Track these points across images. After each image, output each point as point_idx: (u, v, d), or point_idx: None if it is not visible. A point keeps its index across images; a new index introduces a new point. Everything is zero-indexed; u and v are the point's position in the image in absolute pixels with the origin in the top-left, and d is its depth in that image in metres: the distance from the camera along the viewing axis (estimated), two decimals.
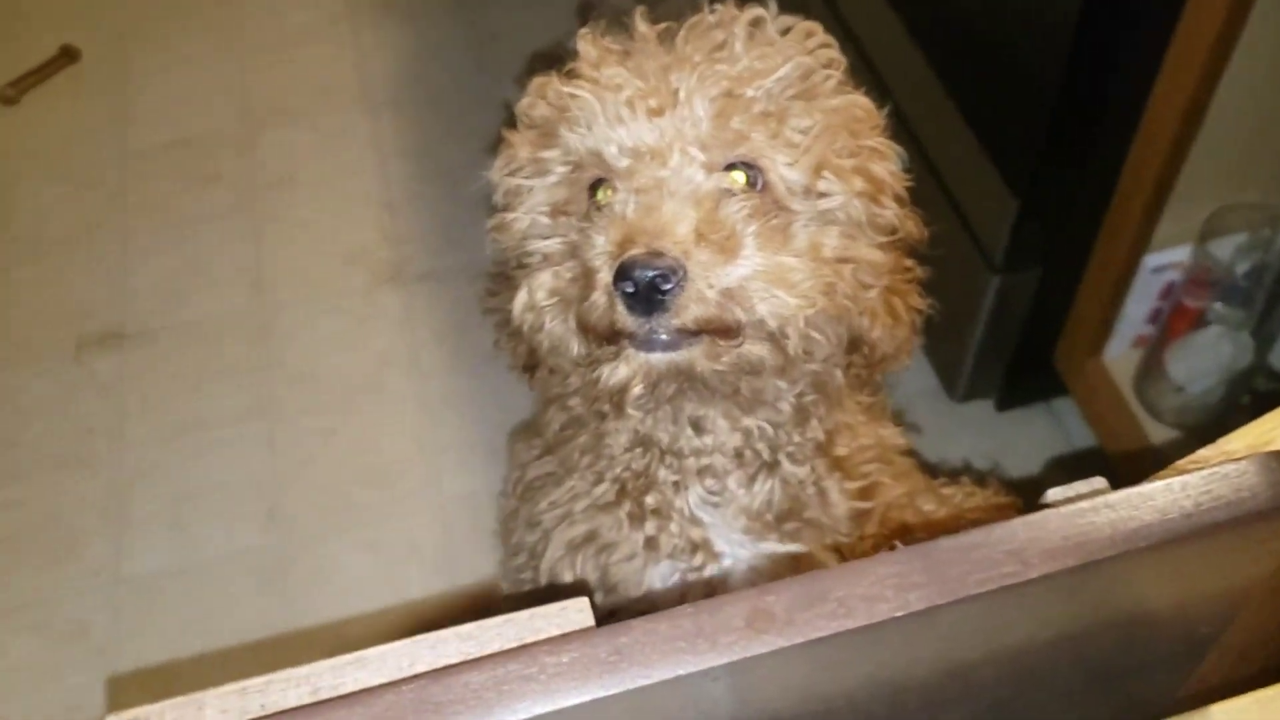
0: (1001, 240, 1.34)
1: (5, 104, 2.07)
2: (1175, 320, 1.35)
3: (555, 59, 0.81)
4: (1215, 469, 0.43)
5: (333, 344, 1.75)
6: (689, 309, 0.68)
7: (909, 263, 0.85)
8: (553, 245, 0.77)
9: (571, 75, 0.77)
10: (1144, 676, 0.54)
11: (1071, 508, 0.41)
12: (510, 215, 0.80)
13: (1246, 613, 0.50)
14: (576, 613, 0.41)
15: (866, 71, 1.57)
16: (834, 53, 0.79)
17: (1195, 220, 1.30)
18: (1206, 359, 1.34)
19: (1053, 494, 0.46)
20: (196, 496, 1.60)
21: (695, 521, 0.88)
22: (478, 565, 1.51)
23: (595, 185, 0.76)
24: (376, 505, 1.58)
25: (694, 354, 0.71)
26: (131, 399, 1.70)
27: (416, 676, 0.40)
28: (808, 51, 0.77)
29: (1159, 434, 1.40)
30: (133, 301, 1.82)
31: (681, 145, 0.71)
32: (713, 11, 0.79)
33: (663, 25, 0.79)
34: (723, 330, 0.70)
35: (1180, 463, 0.46)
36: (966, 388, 1.56)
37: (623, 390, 0.73)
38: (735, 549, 0.90)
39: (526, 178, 0.79)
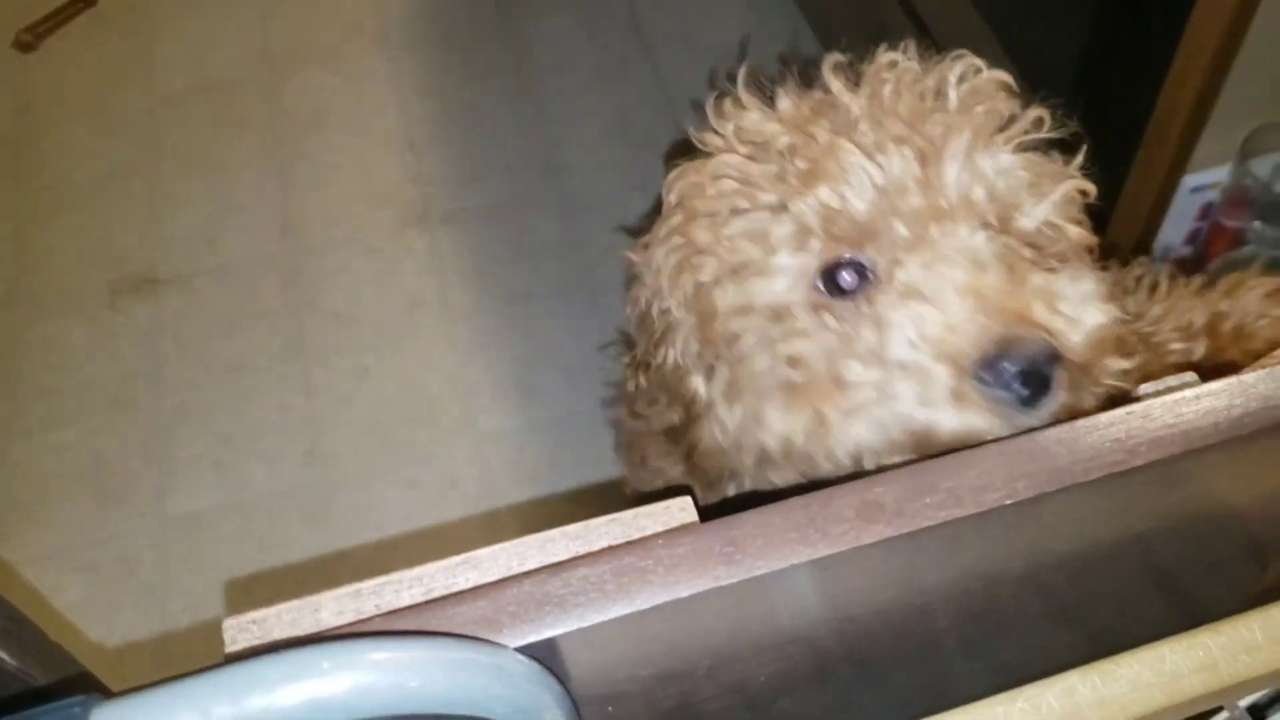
0: None
1: (24, 50, 2.06)
2: (1213, 240, 1.35)
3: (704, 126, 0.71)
4: None
5: (364, 285, 1.76)
6: (1062, 392, 0.59)
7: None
8: (795, 348, 0.64)
9: (774, 139, 0.67)
10: (1218, 575, 0.55)
11: (1173, 396, 0.42)
12: (710, 324, 0.67)
13: None
14: (680, 510, 0.42)
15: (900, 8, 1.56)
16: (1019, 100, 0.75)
17: (1234, 140, 1.29)
18: None
19: (1145, 388, 0.47)
20: (237, 437, 1.62)
21: None
22: (517, 500, 1.53)
23: (832, 269, 0.64)
24: (415, 443, 1.59)
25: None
26: (168, 343, 1.71)
27: (534, 571, 0.41)
28: (1009, 96, 0.74)
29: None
30: (166, 247, 1.83)
31: (962, 206, 0.64)
32: (886, 61, 0.71)
33: (858, 80, 0.71)
34: (1073, 404, 0.62)
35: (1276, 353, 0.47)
36: None
37: None
38: None
39: (722, 277, 0.67)
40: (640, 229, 0.78)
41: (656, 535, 0.40)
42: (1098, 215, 1.42)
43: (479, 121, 1.94)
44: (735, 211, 0.67)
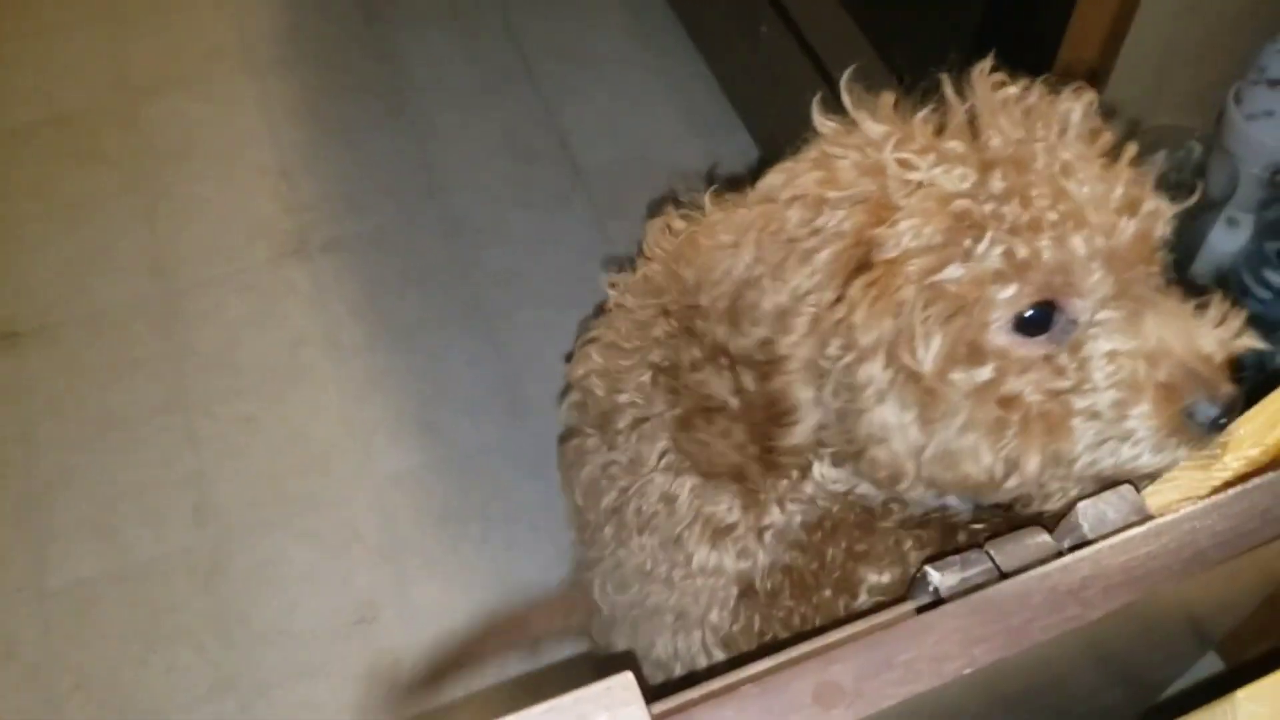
0: None
1: None
2: None
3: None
4: (1230, 494, 0.43)
5: (244, 326, 1.68)
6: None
7: None
8: (1016, 386, 0.64)
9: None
10: (1155, 665, 0.54)
11: (1123, 538, 0.40)
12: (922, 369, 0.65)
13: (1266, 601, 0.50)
14: (623, 692, 0.39)
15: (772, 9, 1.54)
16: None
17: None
18: None
19: (1084, 508, 0.45)
20: (119, 499, 1.53)
21: None
22: (422, 545, 1.48)
23: (1034, 315, 0.64)
24: (310, 493, 1.53)
25: None
26: (37, 403, 1.61)
27: None
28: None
29: None
30: (25, 296, 1.72)
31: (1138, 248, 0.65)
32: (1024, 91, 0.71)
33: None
34: None
35: (1175, 472, 0.46)
36: None
37: None
38: None
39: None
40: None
41: None
42: None
43: (354, 143, 1.87)
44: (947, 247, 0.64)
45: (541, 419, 1.56)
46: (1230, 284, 1.37)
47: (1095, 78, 1.22)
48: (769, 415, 0.70)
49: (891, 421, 0.66)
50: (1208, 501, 0.41)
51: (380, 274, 1.73)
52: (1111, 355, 0.62)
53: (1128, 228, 0.64)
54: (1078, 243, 0.62)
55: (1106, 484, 0.59)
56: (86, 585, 1.46)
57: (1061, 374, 0.63)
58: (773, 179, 0.71)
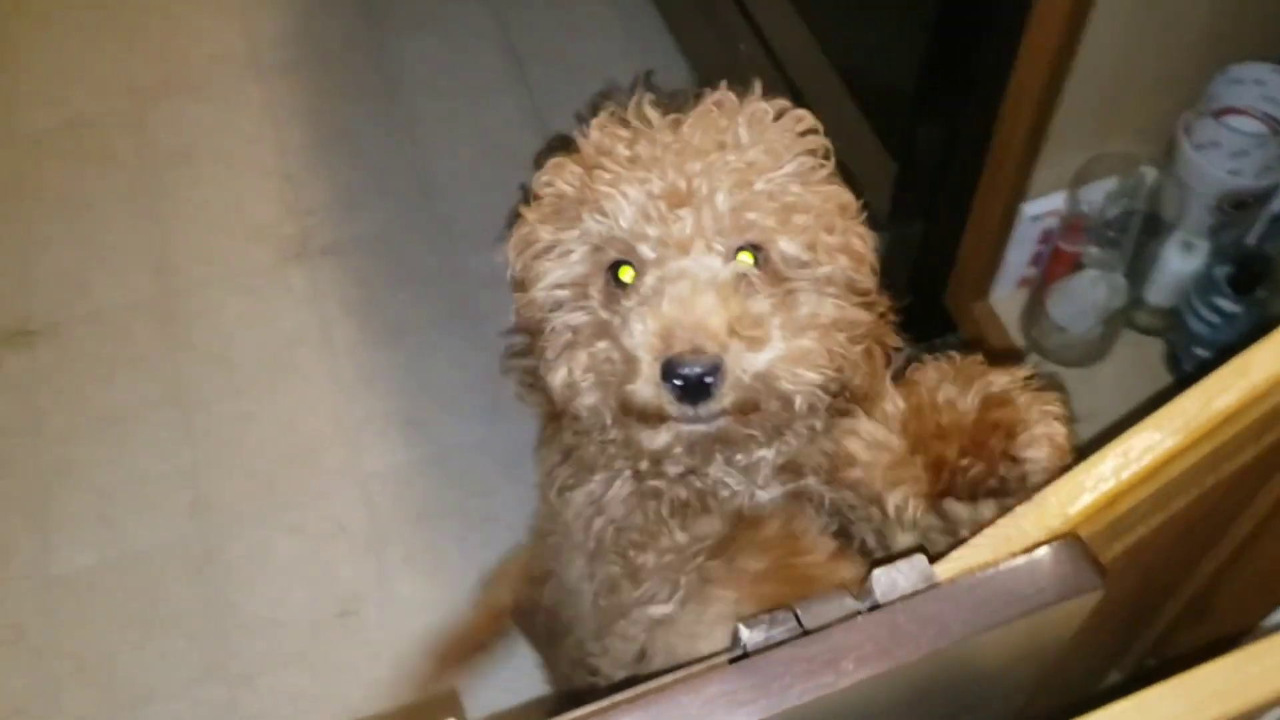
0: (884, 200, 1.38)
1: None
2: (1054, 264, 1.41)
3: (569, 141, 0.87)
4: (1017, 562, 0.48)
5: (242, 325, 1.76)
6: (728, 395, 0.76)
7: (883, 308, 0.90)
8: (578, 319, 0.83)
9: (588, 162, 0.83)
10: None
11: (883, 613, 0.46)
12: (530, 294, 0.84)
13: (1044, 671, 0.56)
14: None
15: (748, 26, 1.59)
16: (821, 139, 0.86)
17: (1068, 169, 1.35)
18: (1084, 300, 1.40)
19: (878, 576, 0.51)
20: (119, 490, 1.61)
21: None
22: (404, 540, 1.56)
23: (616, 265, 0.81)
24: (299, 486, 1.61)
25: (725, 423, 0.79)
26: (45, 396, 1.70)
27: None
28: (800, 135, 0.85)
29: (1045, 372, 1.47)
30: (38, 294, 1.80)
31: (704, 236, 0.78)
32: (712, 99, 0.85)
33: (670, 115, 0.85)
34: (753, 406, 0.79)
35: (979, 538, 0.52)
36: None
37: (663, 452, 0.82)
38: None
39: (546, 258, 0.84)
40: None
41: None
42: (949, 239, 1.48)
43: (354, 148, 1.94)
44: (560, 212, 0.84)
45: (522, 421, 1.63)
46: (1181, 307, 1.41)
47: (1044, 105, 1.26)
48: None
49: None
50: (971, 580, 0.47)
51: (373, 275, 1.80)
52: (637, 313, 0.77)
53: (701, 217, 0.78)
54: (626, 221, 0.79)
55: (628, 409, 0.78)
56: (88, 572, 1.55)
57: (610, 317, 0.81)
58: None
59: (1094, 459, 0.58)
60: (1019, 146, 1.29)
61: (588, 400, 0.82)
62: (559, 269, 0.83)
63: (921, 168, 1.34)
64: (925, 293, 1.54)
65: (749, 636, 0.50)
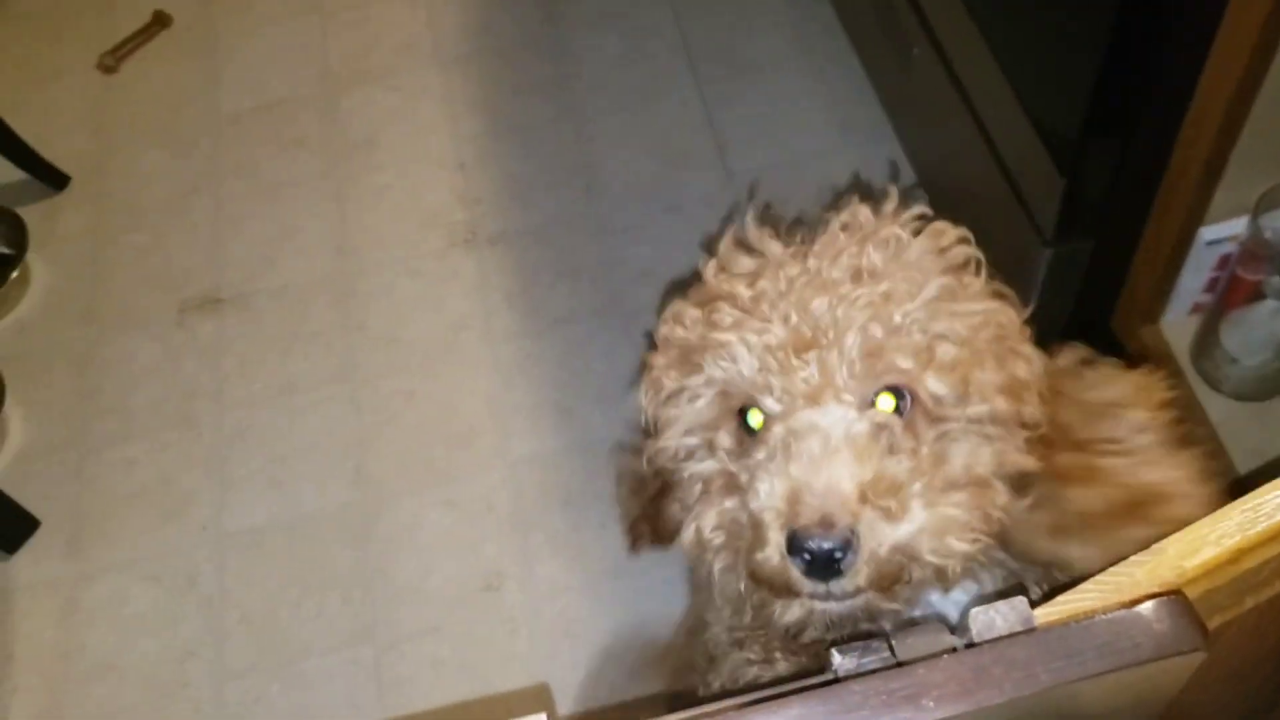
0: (1051, 215, 1.34)
1: (106, 73, 2.17)
2: (1231, 292, 1.35)
3: (690, 282, 0.82)
4: (1117, 615, 0.48)
5: (412, 307, 1.84)
6: (862, 571, 0.68)
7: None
8: (708, 469, 0.77)
9: (707, 304, 0.77)
10: None
11: (973, 653, 0.46)
12: (660, 442, 0.79)
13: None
14: None
15: (922, 30, 1.56)
16: (970, 249, 0.78)
17: (1249, 195, 1.29)
18: (1261, 332, 1.33)
19: (977, 615, 0.51)
20: (290, 456, 1.71)
21: None
22: (547, 523, 1.60)
23: (744, 409, 0.75)
24: (453, 465, 1.67)
25: (864, 600, 0.71)
26: (229, 362, 1.82)
27: None
28: (943, 251, 0.77)
29: (1215, 404, 1.40)
30: (228, 266, 1.93)
31: (834, 384, 0.70)
32: (841, 221, 0.78)
33: (793, 245, 0.79)
34: (894, 579, 0.70)
35: (1089, 583, 0.51)
36: None
37: (797, 627, 0.76)
38: None
39: (674, 404, 0.78)
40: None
41: None
42: (1119, 260, 1.42)
43: (525, 140, 1.99)
44: (686, 358, 0.78)
45: None
46: None
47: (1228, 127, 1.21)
48: None
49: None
50: (1079, 625, 0.47)
51: (537, 267, 1.85)
52: (765, 472, 0.71)
53: (830, 363, 0.70)
54: (749, 369, 0.72)
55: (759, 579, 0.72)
56: (257, 531, 1.65)
57: (739, 472, 0.74)
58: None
59: (1220, 513, 0.56)
60: (1198, 168, 1.24)
61: (718, 563, 0.76)
62: (687, 415, 0.77)
63: (1092, 185, 1.30)
64: (1091, 314, 1.49)
65: (840, 662, 0.50)
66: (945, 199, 1.73)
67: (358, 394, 1.76)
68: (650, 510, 0.88)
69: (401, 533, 1.63)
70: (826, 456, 0.68)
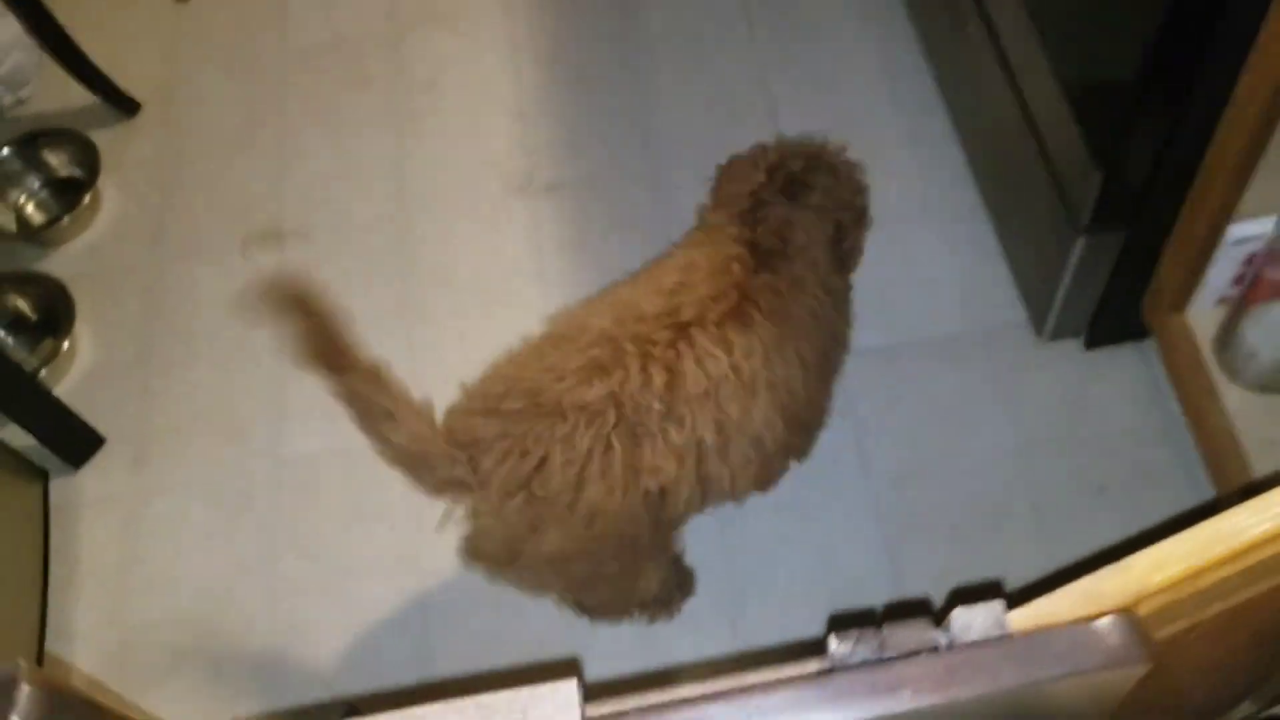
0: (1087, 205, 1.38)
1: (179, 2, 2.24)
2: (1255, 288, 1.39)
3: None
4: (1077, 628, 0.55)
5: (467, 250, 1.91)
6: None
7: None
8: None
9: None
10: None
11: (950, 653, 0.54)
12: None
13: None
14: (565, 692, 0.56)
15: (977, 10, 1.59)
16: None
17: (1276, 199, 1.33)
18: None
19: (958, 615, 0.58)
20: None
21: None
22: None
23: None
24: None
25: None
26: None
27: None
28: None
29: (1232, 395, 1.45)
30: (291, 199, 2.00)
31: None
32: None
33: None
34: None
35: (1063, 591, 0.58)
36: (1054, 329, 1.63)
37: None
38: None
39: None
40: None
41: None
42: (1149, 251, 1.47)
43: (584, 91, 2.04)
44: None
45: None
46: None
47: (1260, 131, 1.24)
48: None
49: None
50: (1028, 638, 0.54)
51: (589, 217, 1.91)
52: None
53: None
54: None
55: None
56: (312, 459, 1.75)
57: None
58: None
59: (1187, 533, 0.63)
60: (1229, 170, 1.28)
61: None
62: None
63: (1128, 180, 1.34)
64: (1121, 299, 1.54)
65: (835, 649, 0.58)
66: (989, 176, 1.77)
67: (412, 331, 1.84)
68: None
69: None
70: None
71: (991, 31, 1.58)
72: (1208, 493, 1.52)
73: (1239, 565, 0.62)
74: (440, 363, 1.81)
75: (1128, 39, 1.24)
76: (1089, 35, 1.35)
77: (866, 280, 1.77)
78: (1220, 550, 0.61)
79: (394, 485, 1.71)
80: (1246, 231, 1.36)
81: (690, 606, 1.56)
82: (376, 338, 1.84)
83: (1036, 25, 1.43)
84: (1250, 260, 1.40)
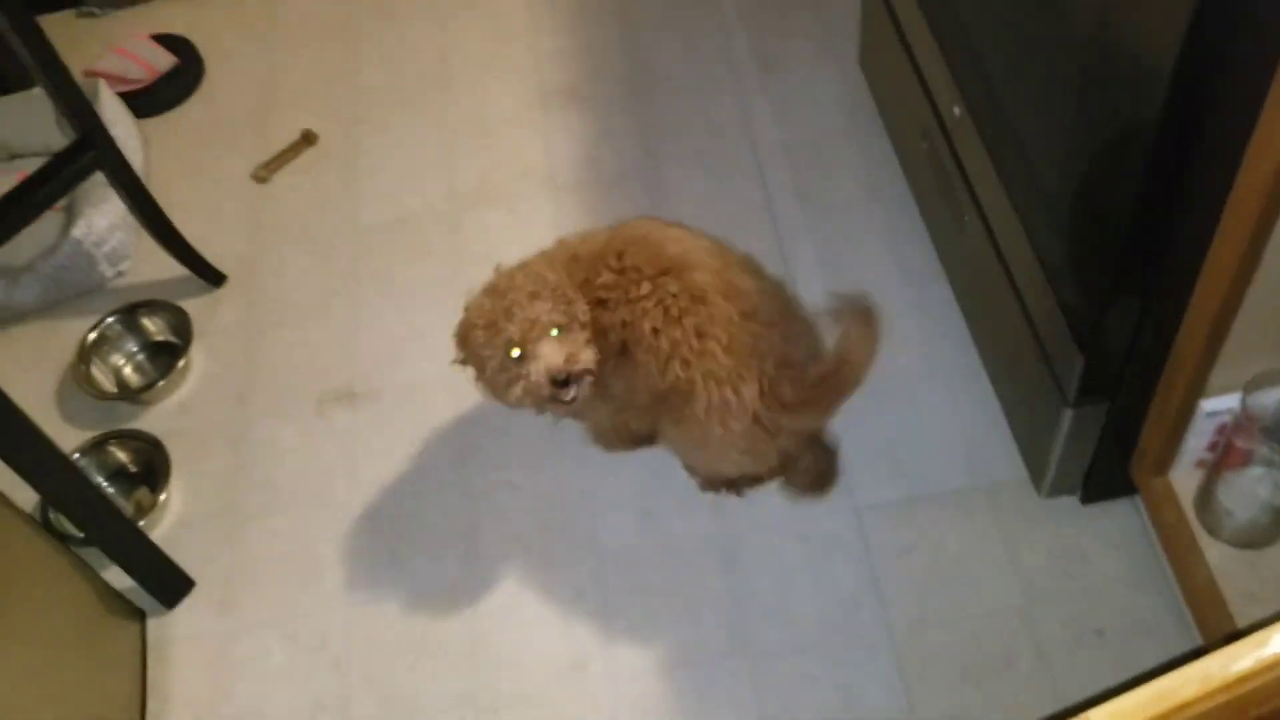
0: (1072, 382, 1.58)
1: (259, 182, 2.50)
2: (1227, 455, 1.57)
3: None
4: None
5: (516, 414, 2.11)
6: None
7: None
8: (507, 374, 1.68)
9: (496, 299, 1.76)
10: None
11: None
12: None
13: None
14: None
15: (974, 208, 1.81)
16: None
17: (1242, 375, 1.51)
18: (1252, 492, 1.55)
19: None
20: (409, 535, 1.99)
21: None
22: (627, 613, 1.85)
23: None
24: (550, 551, 1.93)
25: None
26: (360, 449, 2.11)
27: None
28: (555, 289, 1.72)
29: (1213, 550, 1.62)
30: (362, 363, 2.22)
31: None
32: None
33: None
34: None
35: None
36: (1051, 487, 1.80)
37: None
38: None
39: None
40: None
41: None
42: (1132, 420, 1.64)
43: None
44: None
45: (738, 517, 1.91)
46: None
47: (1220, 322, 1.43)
48: None
49: None
50: None
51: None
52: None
53: None
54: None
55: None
56: (379, 599, 1.93)
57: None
58: None
59: (1140, 690, 0.80)
60: (1197, 353, 1.46)
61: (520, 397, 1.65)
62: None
63: (1107, 360, 1.53)
64: (1110, 461, 1.72)
65: None
66: (987, 346, 1.97)
67: (470, 484, 2.03)
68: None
69: (503, 610, 1.89)
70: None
71: (986, 225, 1.79)
72: (1197, 639, 1.67)
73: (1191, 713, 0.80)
74: (492, 504, 1.99)
75: (1099, 237, 1.44)
76: (1066, 229, 1.56)
77: (880, 436, 1.98)
78: (1165, 707, 0.79)
79: (451, 625, 1.89)
80: (1217, 406, 1.55)
81: None
82: (436, 491, 2.05)
83: (1020, 218, 1.64)
84: (1221, 430, 1.58)
